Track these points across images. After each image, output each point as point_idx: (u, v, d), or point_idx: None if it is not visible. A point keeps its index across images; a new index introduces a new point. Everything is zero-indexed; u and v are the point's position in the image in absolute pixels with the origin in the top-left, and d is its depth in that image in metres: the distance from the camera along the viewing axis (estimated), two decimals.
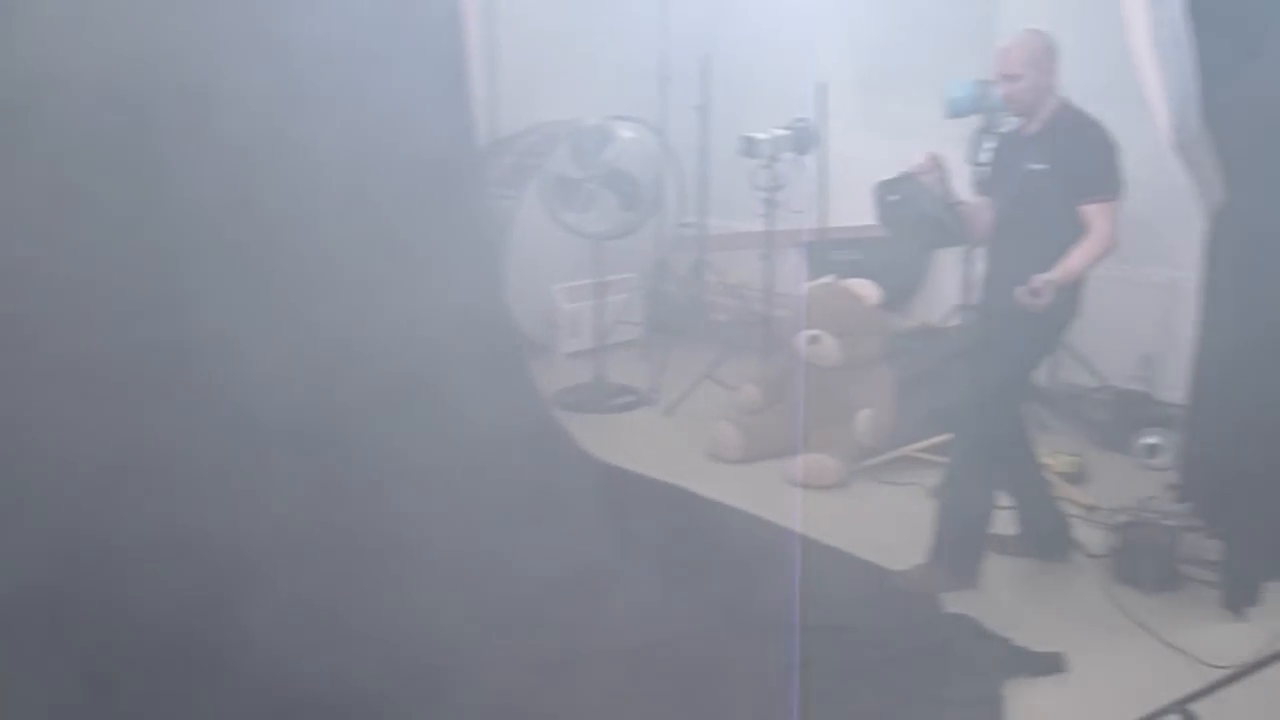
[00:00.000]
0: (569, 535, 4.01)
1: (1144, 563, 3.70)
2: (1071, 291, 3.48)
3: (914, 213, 3.78)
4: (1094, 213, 3.36)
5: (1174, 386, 4.91)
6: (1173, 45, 2.40)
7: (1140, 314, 5.08)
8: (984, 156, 4.25)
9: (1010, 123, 4.49)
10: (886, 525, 4.23)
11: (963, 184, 4.03)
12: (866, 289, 4.90)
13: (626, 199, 5.37)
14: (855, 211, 5.60)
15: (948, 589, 3.64)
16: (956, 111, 4.78)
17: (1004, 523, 3.84)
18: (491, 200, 5.73)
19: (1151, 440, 4.71)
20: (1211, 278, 3.99)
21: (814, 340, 4.82)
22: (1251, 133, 2.69)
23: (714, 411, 5.18)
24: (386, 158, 4.14)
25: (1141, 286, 5.01)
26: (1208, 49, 2.59)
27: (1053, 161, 3.43)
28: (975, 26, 5.47)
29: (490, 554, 3.73)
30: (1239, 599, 3.53)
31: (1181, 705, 2.47)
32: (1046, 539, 3.85)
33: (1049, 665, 3.25)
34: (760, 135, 5.22)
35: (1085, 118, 3.45)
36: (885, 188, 3.92)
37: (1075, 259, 3.37)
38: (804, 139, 5.33)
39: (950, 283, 5.27)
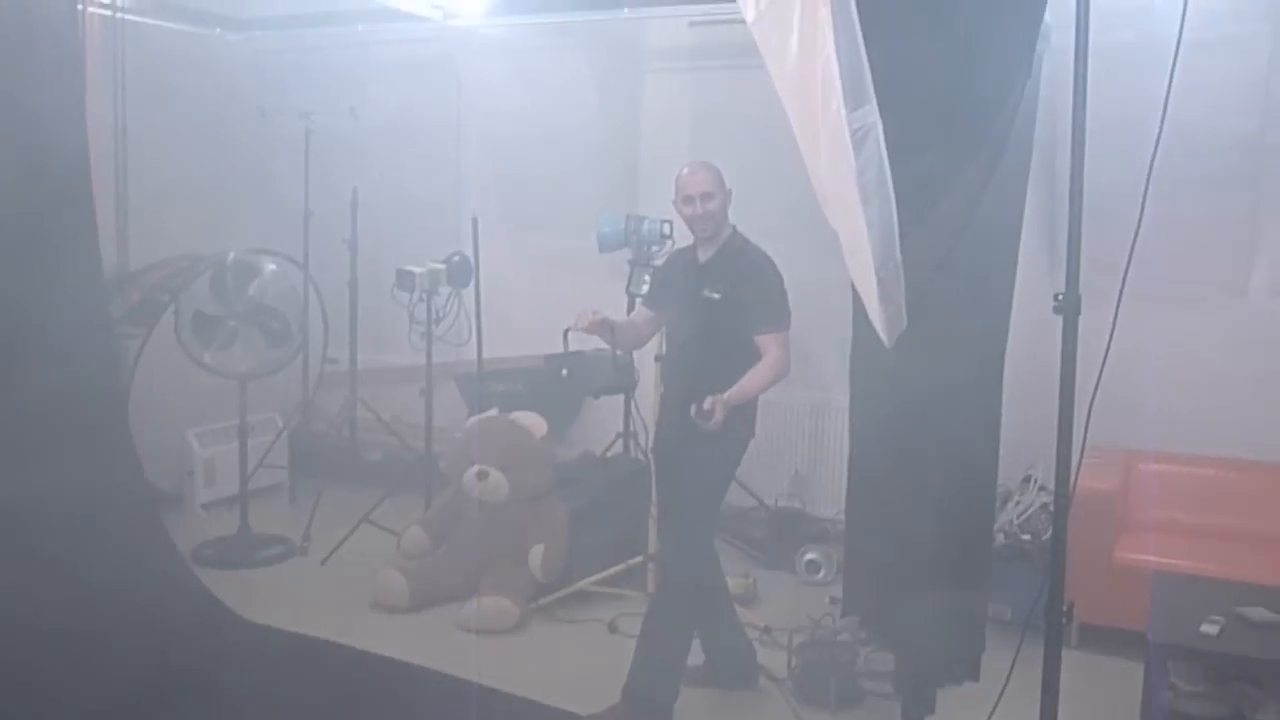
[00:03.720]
0: (214, 707, 3.52)
1: (824, 682, 3.69)
2: (748, 411, 3.47)
3: (584, 383, 3.82)
4: (767, 341, 3.38)
5: (825, 502, 5.08)
6: (877, 185, 2.42)
7: (790, 433, 5.24)
8: (643, 289, 4.27)
9: (663, 254, 4.59)
10: (570, 666, 4.01)
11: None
12: (533, 421, 4.73)
13: (272, 335, 4.97)
14: (513, 342, 5.50)
15: None
16: (608, 246, 4.78)
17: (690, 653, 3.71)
18: (117, 339, 5.10)
19: (811, 556, 4.80)
20: (857, 396, 4.14)
21: (482, 476, 4.57)
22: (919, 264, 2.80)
23: (376, 558, 4.78)
24: None
25: (789, 407, 5.17)
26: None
27: (726, 291, 3.43)
28: (621, 166, 5.58)
29: None
30: (917, 709, 3.55)
31: None
32: (734, 666, 3.76)
33: None
34: (416, 269, 5.00)
35: (755, 249, 3.50)
36: (555, 361, 3.84)
37: (749, 382, 3.36)
38: (460, 272, 5.16)
39: (609, 410, 5.20)
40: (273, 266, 5.01)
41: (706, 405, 3.23)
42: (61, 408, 3.93)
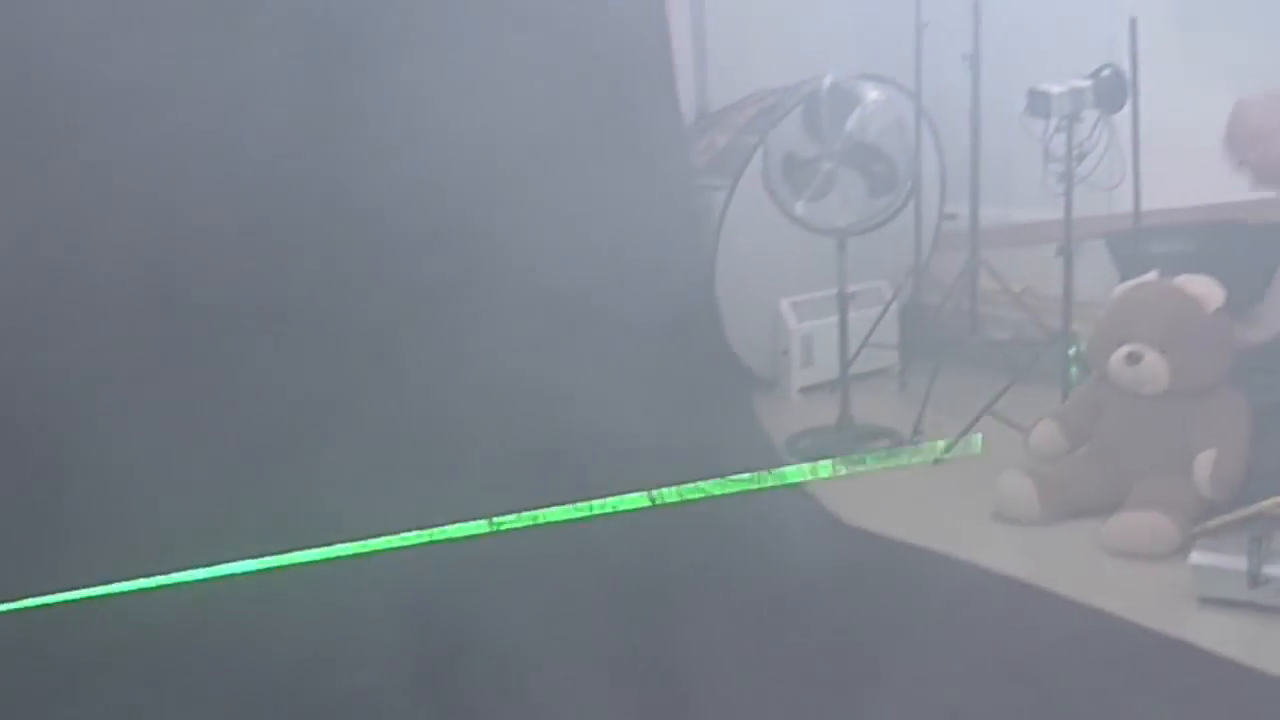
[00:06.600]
0: (823, 624, 4.00)
1: None
2: None
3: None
4: None
5: None
6: None
7: None
8: None
9: None
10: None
11: None
12: (1205, 289, 4.67)
13: (876, 181, 5.28)
14: (1184, 188, 5.42)
15: None
16: None
17: None
18: (699, 191, 5.75)
19: None
20: None
21: (1134, 359, 4.64)
22: None
23: (999, 458, 5.00)
24: (562, 140, 4.29)
25: None
26: None
27: None
28: None
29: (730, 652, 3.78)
30: None
31: None
32: None
33: None
34: (1055, 89, 5.04)
35: None
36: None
37: None
38: (1112, 92, 5.14)
39: None
40: (876, 94, 5.27)
41: None
42: (640, 278, 4.53)
